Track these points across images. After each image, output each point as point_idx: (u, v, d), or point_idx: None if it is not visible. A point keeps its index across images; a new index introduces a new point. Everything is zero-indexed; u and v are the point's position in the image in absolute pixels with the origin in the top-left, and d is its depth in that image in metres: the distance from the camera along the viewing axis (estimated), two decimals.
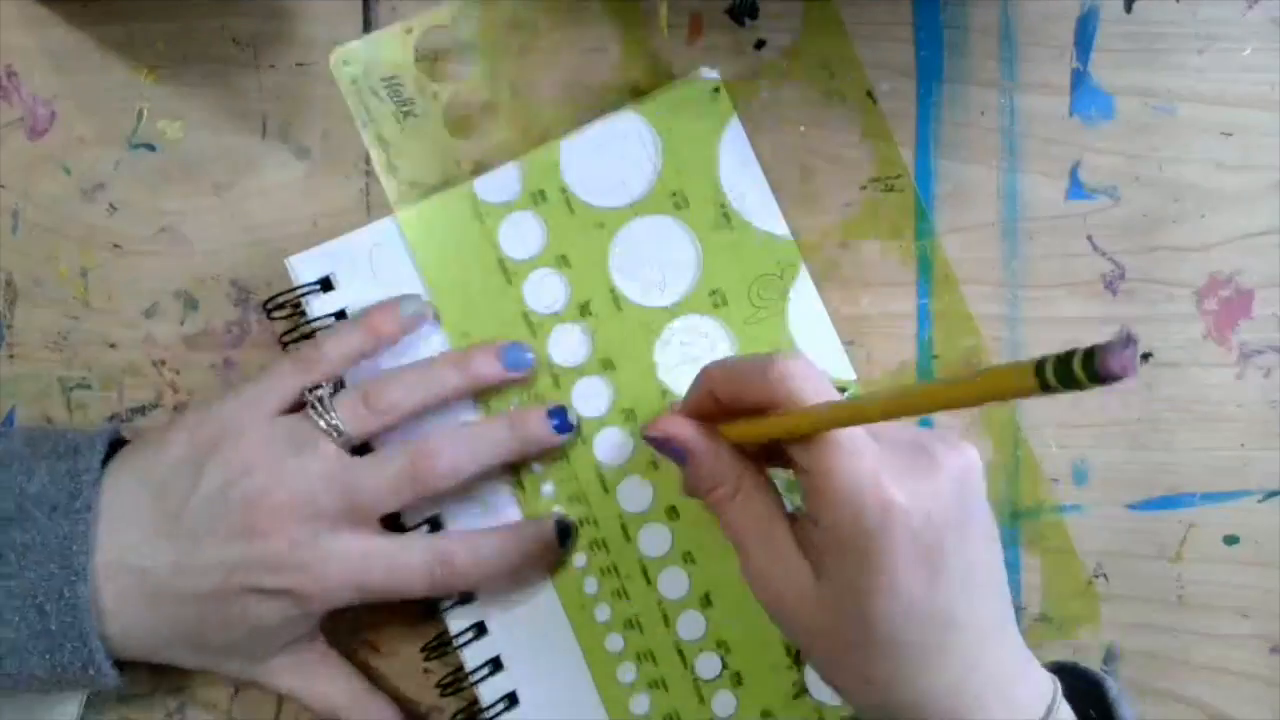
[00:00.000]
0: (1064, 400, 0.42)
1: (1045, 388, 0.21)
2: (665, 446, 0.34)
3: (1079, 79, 0.43)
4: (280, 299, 0.41)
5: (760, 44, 0.43)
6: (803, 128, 0.43)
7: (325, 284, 0.41)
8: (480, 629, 0.40)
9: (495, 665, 0.40)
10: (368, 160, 0.43)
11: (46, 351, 0.43)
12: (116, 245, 0.43)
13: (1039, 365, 0.21)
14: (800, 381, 0.30)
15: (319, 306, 0.40)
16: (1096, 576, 0.42)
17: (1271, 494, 0.42)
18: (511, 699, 0.40)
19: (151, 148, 0.43)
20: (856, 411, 0.29)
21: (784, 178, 0.43)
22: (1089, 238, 0.42)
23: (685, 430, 0.33)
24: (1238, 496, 0.42)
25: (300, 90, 0.43)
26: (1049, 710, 0.31)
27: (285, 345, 0.41)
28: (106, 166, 0.43)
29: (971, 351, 0.42)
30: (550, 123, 0.43)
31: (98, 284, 0.43)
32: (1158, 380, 0.42)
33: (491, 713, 0.40)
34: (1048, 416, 0.42)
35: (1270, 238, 0.42)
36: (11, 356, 0.43)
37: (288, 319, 0.41)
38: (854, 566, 0.29)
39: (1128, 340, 0.19)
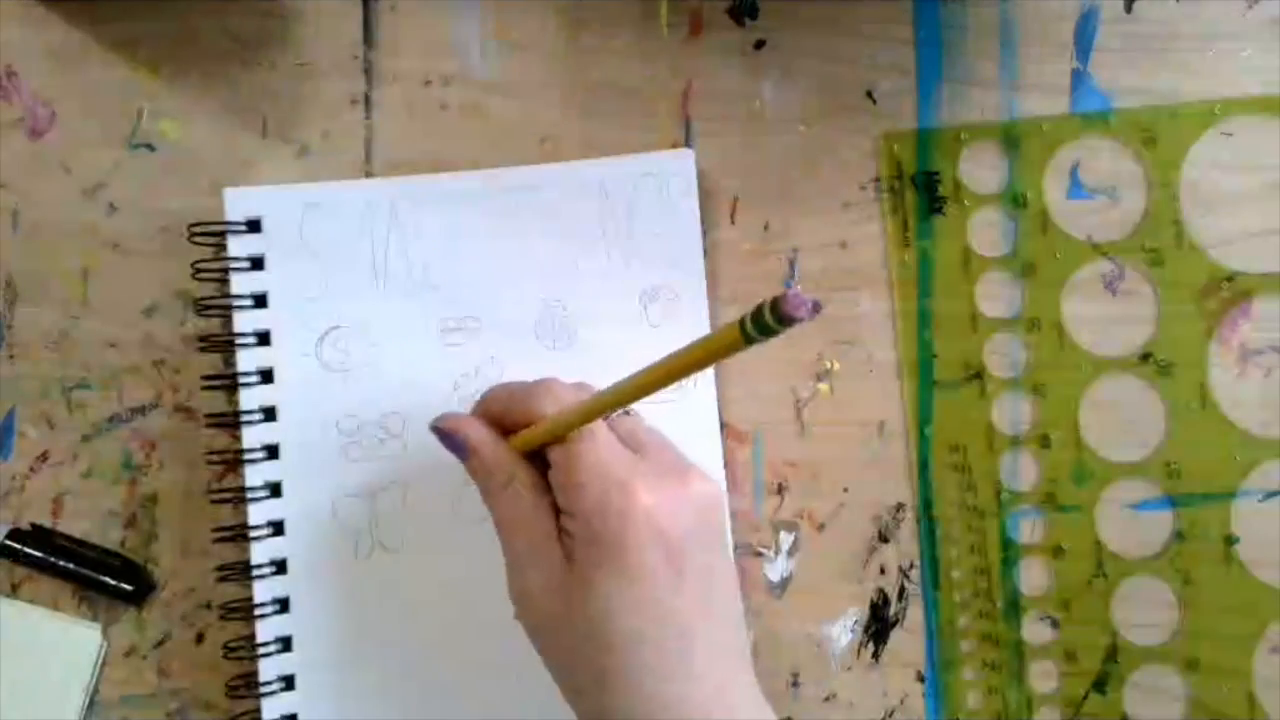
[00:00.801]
0: (1057, 405, 0.42)
1: (748, 339, 0.25)
2: (451, 439, 0.35)
3: (1079, 79, 0.43)
4: (208, 227, 0.40)
5: (760, 44, 0.43)
6: (803, 128, 0.43)
7: (254, 226, 0.41)
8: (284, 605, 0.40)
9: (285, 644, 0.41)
10: (367, 159, 0.43)
11: (46, 351, 0.43)
12: (116, 245, 0.43)
13: (742, 321, 0.25)
14: (559, 392, 0.34)
15: (236, 247, 0.40)
16: (1096, 576, 0.42)
17: (1271, 494, 0.42)
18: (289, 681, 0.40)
19: (151, 148, 0.43)
20: (598, 401, 0.32)
21: (784, 178, 0.43)
22: (1089, 238, 0.42)
23: (469, 425, 0.35)
24: (1238, 496, 0.42)
25: (300, 90, 0.43)
26: None
27: (197, 274, 0.41)
28: (106, 166, 0.43)
29: (971, 351, 0.42)
30: (552, 122, 0.43)
31: (98, 284, 0.43)
32: (1149, 387, 0.42)
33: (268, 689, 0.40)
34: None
35: (1270, 238, 0.42)
36: (11, 356, 0.43)
37: (214, 251, 0.41)
38: (598, 554, 0.31)
39: (798, 294, 0.24)
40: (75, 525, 0.42)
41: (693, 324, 0.42)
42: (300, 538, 0.41)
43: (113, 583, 0.41)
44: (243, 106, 0.43)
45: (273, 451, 0.41)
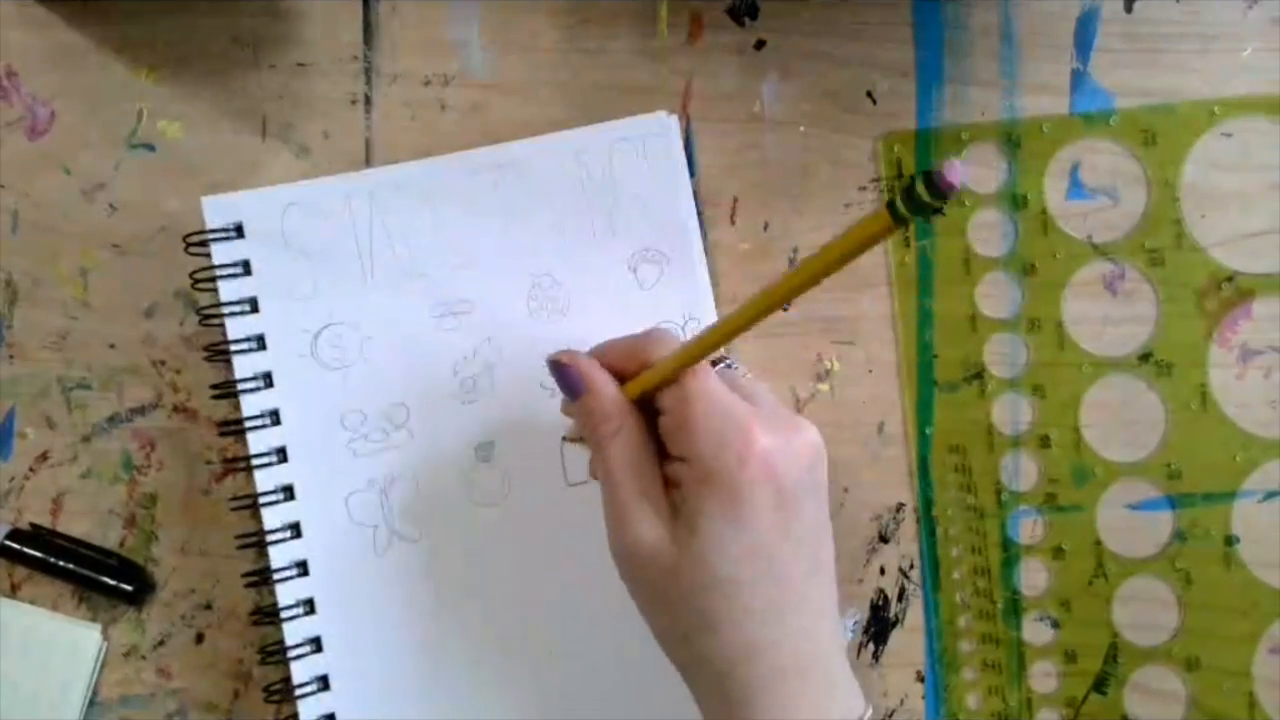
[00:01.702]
0: (1057, 404, 0.42)
1: (899, 220, 0.24)
2: (568, 374, 0.35)
3: (1079, 79, 0.43)
4: (201, 235, 0.40)
5: (760, 44, 0.43)
6: (803, 128, 0.43)
7: (239, 231, 0.41)
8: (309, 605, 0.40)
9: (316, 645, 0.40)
10: (367, 159, 0.43)
11: (46, 351, 0.43)
12: (116, 245, 0.43)
13: (890, 202, 0.24)
14: (669, 338, 0.34)
15: (221, 253, 0.40)
16: (1096, 576, 0.42)
17: (1271, 494, 0.42)
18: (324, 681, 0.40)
19: (151, 148, 0.43)
20: (717, 330, 0.31)
21: (784, 178, 0.43)
22: (1089, 238, 0.42)
23: (589, 364, 0.35)
24: (1238, 497, 0.42)
25: (300, 90, 0.43)
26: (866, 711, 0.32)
27: (195, 284, 0.41)
28: (106, 166, 0.43)
29: (972, 351, 0.42)
30: (552, 122, 0.43)
31: (98, 284, 0.43)
32: (1149, 387, 0.42)
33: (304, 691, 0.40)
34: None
35: (1270, 238, 0.42)
36: (11, 357, 0.43)
37: (208, 260, 0.41)
38: (711, 495, 0.31)
39: (953, 162, 0.22)
40: (75, 525, 0.42)
41: (684, 284, 0.42)
42: (318, 538, 0.41)
43: (113, 583, 0.41)
44: (243, 107, 0.43)
45: (282, 454, 0.41)
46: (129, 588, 0.41)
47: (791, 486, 0.31)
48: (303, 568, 0.40)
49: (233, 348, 0.40)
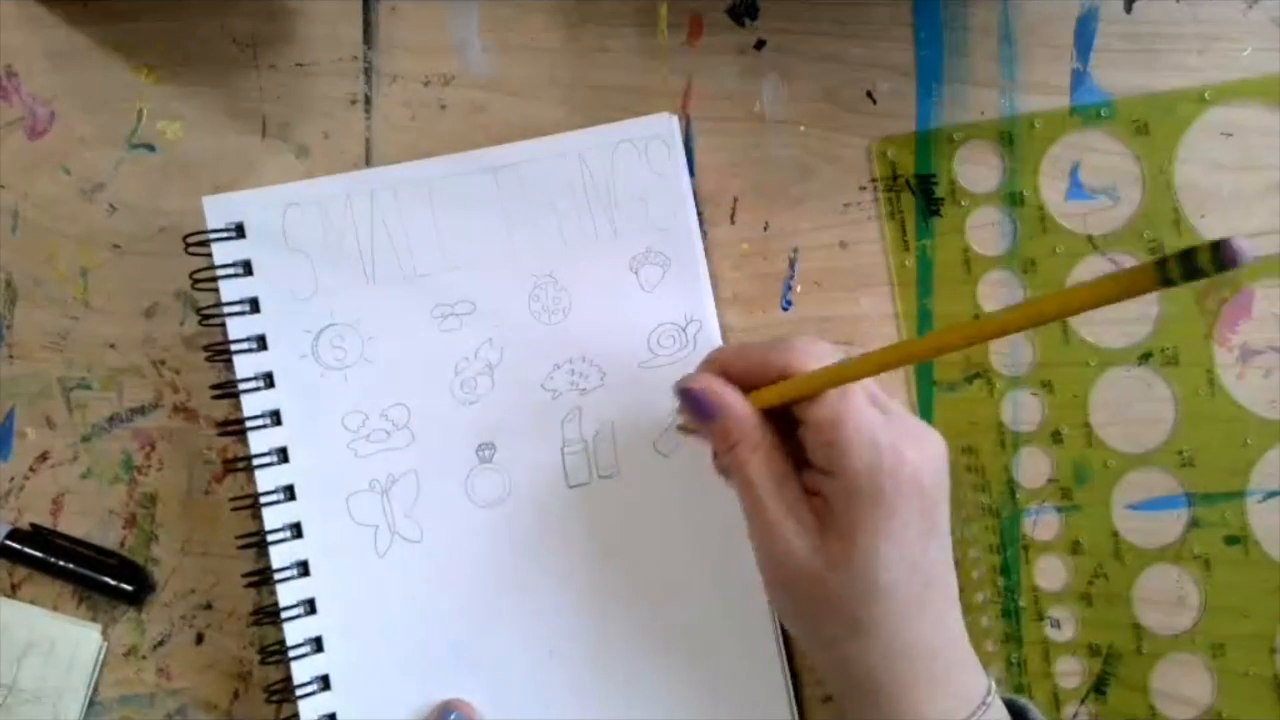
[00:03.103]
0: (1066, 400, 0.42)
1: (1166, 282, 0.23)
2: (700, 399, 0.35)
3: (1079, 79, 0.43)
4: (201, 235, 0.40)
5: (760, 44, 0.43)
6: (803, 128, 0.43)
7: (240, 231, 0.41)
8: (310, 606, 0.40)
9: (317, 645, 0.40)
10: (367, 159, 0.43)
11: (46, 351, 0.43)
12: (116, 245, 0.43)
13: (1161, 262, 0.23)
14: (820, 350, 0.34)
15: (222, 254, 0.40)
16: (1097, 577, 0.42)
17: (1271, 494, 0.42)
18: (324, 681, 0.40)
19: (151, 148, 0.43)
20: (875, 359, 0.31)
21: (784, 178, 0.43)
22: (1089, 238, 0.42)
23: (719, 385, 0.35)
24: (1238, 496, 0.42)
25: (300, 90, 0.43)
26: (988, 694, 0.34)
27: (195, 284, 0.41)
28: (106, 166, 0.43)
29: (972, 350, 0.42)
30: (552, 122, 0.43)
31: (98, 284, 0.43)
32: (1158, 380, 0.42)
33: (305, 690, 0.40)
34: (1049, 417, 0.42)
35: (1269, 238, 0.42)
36: (11, 357, 0.43)
37: (208, 260, 0.41)
38: (866, 512, 0.32)
39: (1242, 242, 0.22)
40: (75, 525, 0.42)
41: (685, 285, 0.42)
42: (319, 538, 0.41)
43: (113, 583, 0.41)
44: (243, 107, 0.43)
45: (283, 455, 0.41)
46: (129, 588, 0.42)
47: (934, 493, 0.33)
48: (304, 568, 0.40)
49: (234, 347, 0.40)
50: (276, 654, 0.40)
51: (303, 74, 0.43)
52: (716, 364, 0.36)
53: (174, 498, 0.42)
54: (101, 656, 0.42)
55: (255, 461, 0.40)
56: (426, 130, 0.43)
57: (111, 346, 0.43)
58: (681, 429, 0.40)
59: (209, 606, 0.42)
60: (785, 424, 0.35)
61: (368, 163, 0.43)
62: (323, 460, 0.41)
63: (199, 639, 0.42)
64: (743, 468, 0.34)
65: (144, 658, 0.42)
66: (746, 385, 0.35)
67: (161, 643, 0.42)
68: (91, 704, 0.42)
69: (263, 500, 0.40)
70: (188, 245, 0.40)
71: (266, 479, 0.40)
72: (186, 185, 0.43)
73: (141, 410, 0.43)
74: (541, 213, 0.42)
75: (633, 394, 0.41)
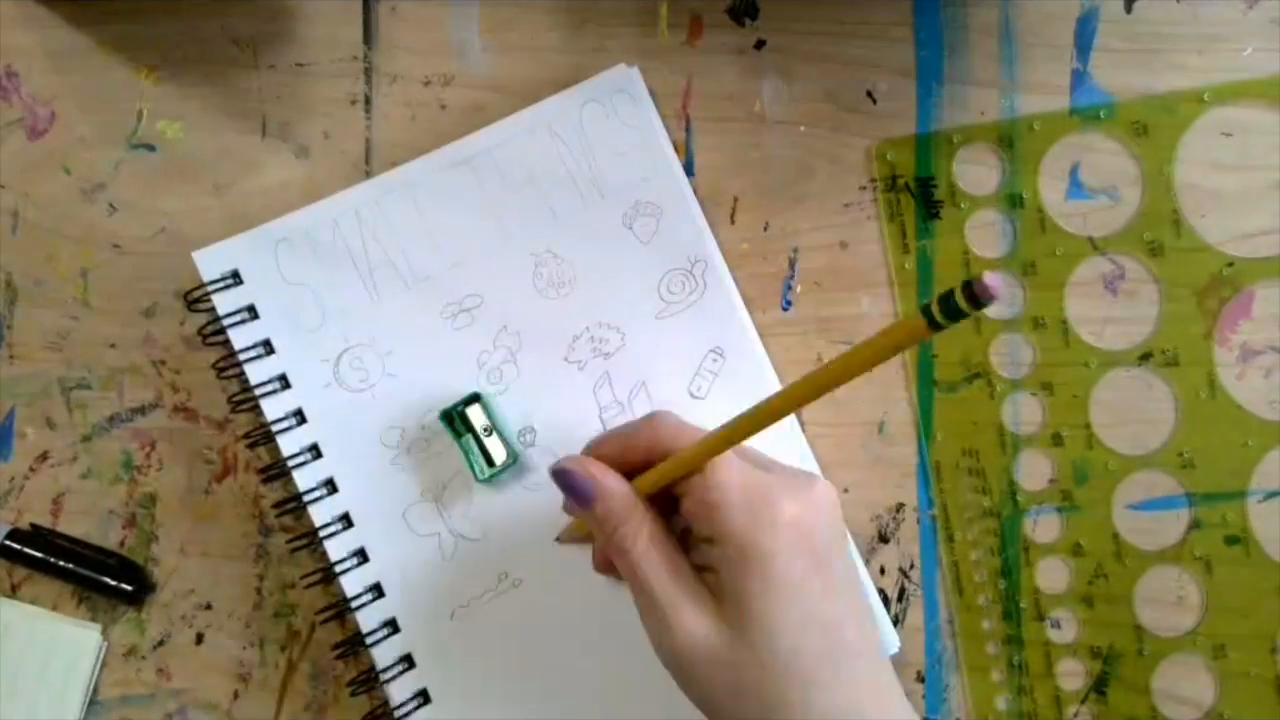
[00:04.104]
0: (1066, 401, 0.42)
1: (935, 326, 0.24)
2: (574, 481, 0.33)
3: (1079, 79, 0.43)
4: (200, 292, 0.40)
5: (760, 44, 0.43)
6: (803, 128, 0.43)
7: (236, 278, 0.41)
8: (393, 626, 0.40)
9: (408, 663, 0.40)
10: (367, 159, 0.43)
11: (46, 351, 0.43)
12: (116, 245, 0.43)
13: (926, 307, 0.24)
14: (683, 426, 0.33)
15: (224, 303, 0.40)
16: (1098, 578, 0.42)
17: (1271, 494, 0.42)
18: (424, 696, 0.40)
19: (151, 148, 0.43)
20: (741, 427, 0.30)
21: (784, 178, 0.43)
22: (1089, 238, 0.42)
23: (595, 467, 0.33)
24: (1238, 497, 0.42)
25: (300, 90, 0.43)
26: None
27: (205, 340, 0.41)
28: (106, 166, 0.43)
29: (972, 351, 0.42)
30: None
31: (98, 284, 0.43)
32: (1158, 381, 0.42)
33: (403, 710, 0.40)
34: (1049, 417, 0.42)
35: (1269, 238, 0.42)
36: (11, 357, 0.43)
37: (209, 313, 0.41)
38: (753, 575, 0.31)
39: (996, 277, 0.23)
40: (75, 525, 0.42)
41: (681, 232, 0.42)
42: (385, 557, 0.41)
43: (112, 583, 0.41)
44: (243, 107, 0.43)
45: (331, 486, 0.41)
46: (129, 588, 0.42)
47: (823, 544, 0.32)
48: (378, 590, 0.40)
49: (257, 392, 0.40)
50: (369, 681, 0.40)
51: (303, 74, 0.43)
52: (591, 450, 0.34)
53: (174, 498, 0.42)
54: (101, 656, 0.42)
55: (306, 499, 0.40)
56: (426, 130, 0.43)
57: (111, 346, 0.43)
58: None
59: (209, 606, 0.42)
60: (667, 506, 0.33)
61: (367, 162, 0.43)
62: (371, 482, 0.41)
63: (199, 639, 0.42)
64: (628, 552, 0.32)
65: (144, 658, 0.42)
66: (622, 469, 0.33)
67: (161, 643, 0.42)
68: (91, 704, 0.42)
69: (322, 533, 0.40)
70: (190, 303, 0.40)
71: (320, 512, 0.40)
72: (186, 185, 0.43)
73: (141, 410, 0.43)
74: (525, 191, 0.42)
75: (656, 346, 0.42)
